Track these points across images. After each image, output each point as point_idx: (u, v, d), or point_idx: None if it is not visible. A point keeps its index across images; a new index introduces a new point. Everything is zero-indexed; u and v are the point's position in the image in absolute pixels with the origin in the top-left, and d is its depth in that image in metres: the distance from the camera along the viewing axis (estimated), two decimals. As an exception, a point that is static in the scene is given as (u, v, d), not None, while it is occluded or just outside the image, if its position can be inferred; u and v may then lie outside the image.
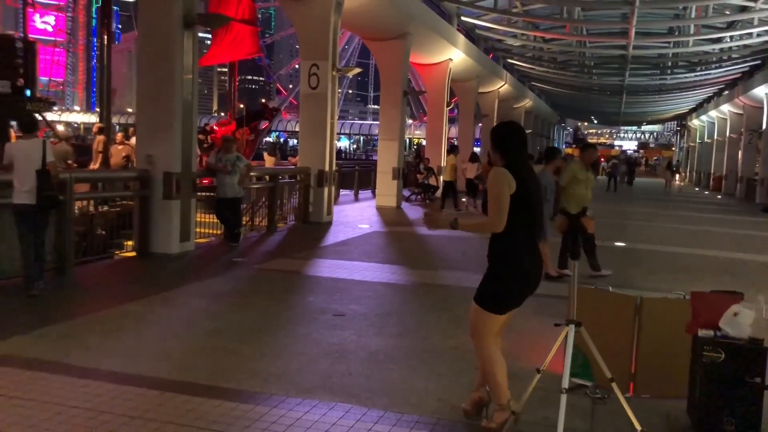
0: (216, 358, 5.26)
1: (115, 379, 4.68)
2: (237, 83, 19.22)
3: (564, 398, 3.31)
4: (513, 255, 3.85)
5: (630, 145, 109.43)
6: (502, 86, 32.90)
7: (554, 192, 8.96)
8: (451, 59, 23.44)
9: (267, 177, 13.49)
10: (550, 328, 4.23)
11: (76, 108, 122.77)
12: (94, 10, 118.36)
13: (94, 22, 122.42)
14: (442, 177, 20.14)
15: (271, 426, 3.99)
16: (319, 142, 14.41)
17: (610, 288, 5.03)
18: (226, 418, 4.08)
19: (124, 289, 7.77)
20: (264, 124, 19.34)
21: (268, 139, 74.41)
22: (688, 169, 56.28)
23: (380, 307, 7.19)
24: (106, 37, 12.63)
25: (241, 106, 19.94)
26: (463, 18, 26.33)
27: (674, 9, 25.58)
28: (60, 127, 79.28)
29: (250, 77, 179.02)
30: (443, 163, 23.62)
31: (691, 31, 26.47)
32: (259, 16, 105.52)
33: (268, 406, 4.29)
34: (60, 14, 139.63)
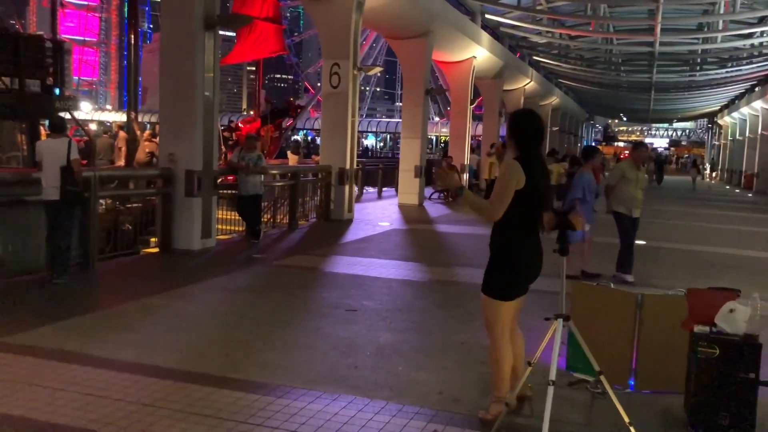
0: (227, 349, 5.44)
1: (130, 368, 4.88)
2: (262, 82, 19.48)
3: (551, 390, 3.40)
4: (511, 246, 3.96)
5: (661, 143, 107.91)
6: (527, 84, 32.77)
7: (593, 192, 8.88)
8: (474, 57, 23.44)
9: (289, 175, 13.68)
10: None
11: (108, 107, 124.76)
12: (125, 10, 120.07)
13: (126, 21, 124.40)
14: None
15: (274, 415, 4.15)
16: (341, 141, 14.58)
17: (612, 285, 5.09)
18: (232, 407, 4.25)
19: (144, 283, 8.01)
20: (288, 122, 19.57)
21: (296, 137, 75.14)
22: (720, 167, 55.37)
23: (392, 303, 7.32)
24: (132, 36, 12.94)
25: (266, 103, 20.14)
26: (487, 15, 26.29)
27: (702, 5, 25.24)
28: (93, 126, 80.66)
29: (279, 75, 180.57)
30: (466, 161, 23.70)
31: (720, 27, 26.07)
32: (288, 14, 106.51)
33: (273, 396, 4.45)
34: (92, 14, 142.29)
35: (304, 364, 5.16)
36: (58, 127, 7.40)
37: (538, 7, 25.63)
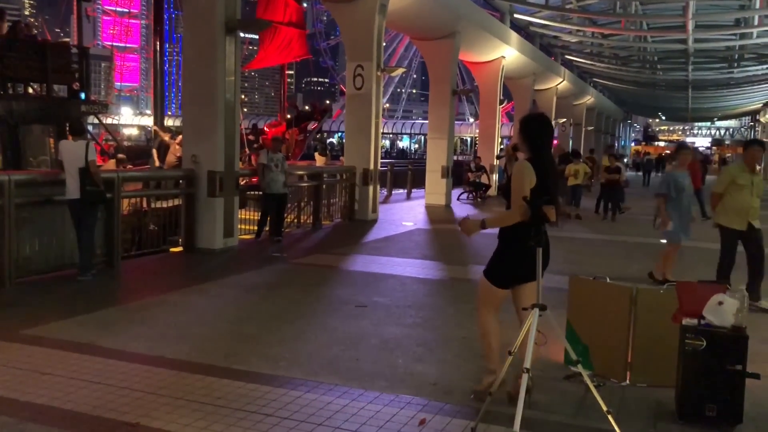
0: (235, 342, 5.62)
1: (139, 359, 5.08)
2: (287, 86, 19.78)
3: (525, 377, 3.47)
4: (518, 239, 4.08)
5: (703, 142, 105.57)
6: (560, 83, 32.51)
7: (682, 190, 8.20)
8: (503, 57, 23.38)
9: (313, 175, 13.88)
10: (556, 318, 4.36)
11: (148, 111, 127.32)
12: (165, 17, 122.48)
13: (166, 28, 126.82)
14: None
15: (270, 403, 4.29)
16: (364, 142, 14.74)
17: (608, 279, 5.11)
18: (230, 395, 4.40)
19: (164, 281, 8.27)
20: (313, 125, 19.86)
21: (331, 140, 75.76)
22: (763, 166, 53.96)
23: (403, 299, 7.42)
24: (158, 42, 13.31)
25: (291, 107, 20.46)
26: (516, 15, 26.20)
27: (738, 0, 24.77)
28: (134, 131, 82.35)
29: (315, 79, 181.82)
30: (495, 162, 23.63)
31: (755, 23, 25.53)
32: (324, 18, 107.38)
33: (271, 386, 4.60)
34: (134, 21, 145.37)
35: (306, 356, 5.30)
36: (77, 130, 7.76)
37: (568, 6, 25.43)
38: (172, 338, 5.68)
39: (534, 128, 4.29)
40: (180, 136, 15.25)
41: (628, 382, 4.82)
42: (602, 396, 4.05)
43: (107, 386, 4.51)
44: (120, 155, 13.52)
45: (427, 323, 6.44)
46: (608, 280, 5.11)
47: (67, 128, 8.38)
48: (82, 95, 12.77)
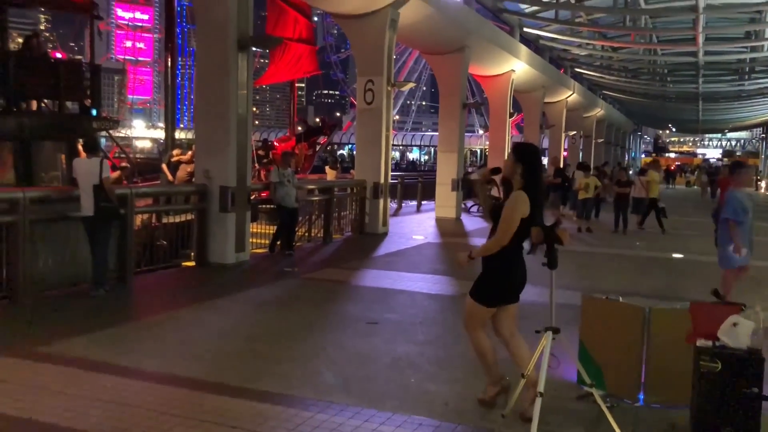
0: (246, 360, 5.63)
1: (151, 378, 5.10)
2: (296, 100, 19.90)
3: (538, 401, 3.46)
4: (504, 263, 4.46)
5: (714, 153, 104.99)
6: (569, 96, 32.49)
7: (748, 211, 7.51)
8: (513, 70, 23.41)
9: (324, 189, 13.92)
10: (568, 336, 4.38)
11: (160, 124, 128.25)
12: (178, 30, 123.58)
13: (179, 41, 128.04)
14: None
15: (281, 424, 4.30)
16: (375, 156, 14.78)
17: (620, 298, 5.09)
18: (243, 415, 4.41)
19: (176, 296, 8.30)
20: (323, 139, 19.93)
21: (342, 152, 76.05)
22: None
23: (414, 316, 7.41)
24: (169, 57, 13.44)
25: (300, 122, 20.59)
26: (525, 29, 26.26)
27: (749, 13, 24.71)
28: (147, 143, 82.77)
29: (326, 91, 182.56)
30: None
31: (766, 35, 25.46)
32: (335, 31, 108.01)
33: (283, 406, 4.60)
34: (147, 35, 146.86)
35: (318, 375, 5.30)
36: (91, 147, 7.85)
37: (578, 20, 25.47)
38: (184, 356, 5.69)
39: (532, 158, 4.46)
40: (190, 153, 15.37)
41: (642, 402, 4.79)
42: (615, 417, 4.04)
43: (119, 405, 4.53)
44: (123, 164, 13.62)
45: (438, 340, 6.43)
46: (621, 299, 5.09)
47: (81, 145, 8.47)
48: (94, 112, 12.89)
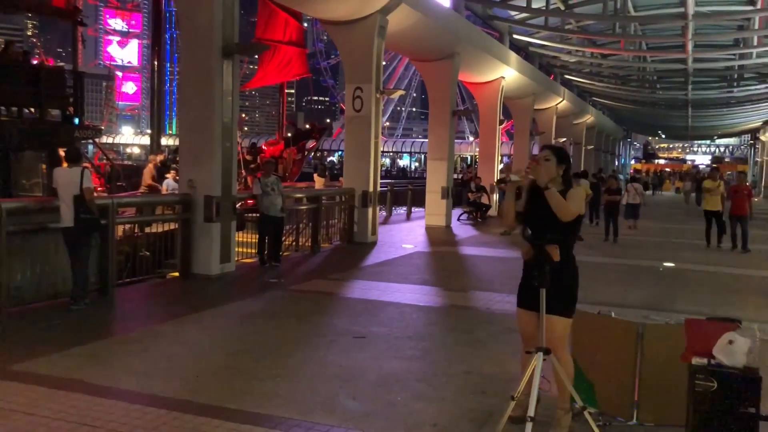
0: (228, 378, 5.45)
1: (129, 397, 4.91)
2: (286, 105, 19.74)
3: (529, 426, 3.30)
4: (573, 264, 4.31)
5: (703, 160, 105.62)
6: (560, 102, 32.50)
7: None
8: (503, 77, 23.35)
9: (312, 198, 13.75)
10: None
11: (148, 131, 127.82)
12: (167, 36, 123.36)
13: (167, 48, 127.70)
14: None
15: (262, 447, 4.12)
16: (364, 164, 14.63)
17: (613, 314, 4.96)
18: (222, 438, 4.23)
19: (158, 310, 8.11)
20: (312, 144, 19.75)
21: (332, 159, 75.81)
22: (763, 185, 53.88)
23: (403, 329, 7.25)
24: (156, 62, 13.26)
25: (290, 125, 20.41)
26: (515, 36, 26.22)
27: (737, 20, 24.79)
28: (135, 150, 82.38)
29: (315, 97, 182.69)
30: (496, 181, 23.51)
31: (755, 43, 25.55)
32: (325, 37, 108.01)
33: (265, 427, 4.43)
34: (138, 41, 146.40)
35: (302, 393, 5.13)
36: (72, 157, 7.64)
37: (567, 27, 25.46)
38: (164, 373, 5.50)
39: (570, 161, 4.41)
40: (159, 156, 15.12)
41: (635, 421, 4.64)
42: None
43: (95, 428, 4.34)
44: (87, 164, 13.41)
45: (427, 356, 6.27)
46: (613, 314, 4.96)
47: (65, 156, 8.26)
48: (76, 120, 12.66)
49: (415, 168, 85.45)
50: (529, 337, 4.29)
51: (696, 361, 4.00)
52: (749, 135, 70.84)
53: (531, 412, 3.32)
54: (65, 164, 8.00)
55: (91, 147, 24.01)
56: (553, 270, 4.02)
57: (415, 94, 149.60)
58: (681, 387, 4.35)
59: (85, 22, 13.68)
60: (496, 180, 23.01)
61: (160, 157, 14.50)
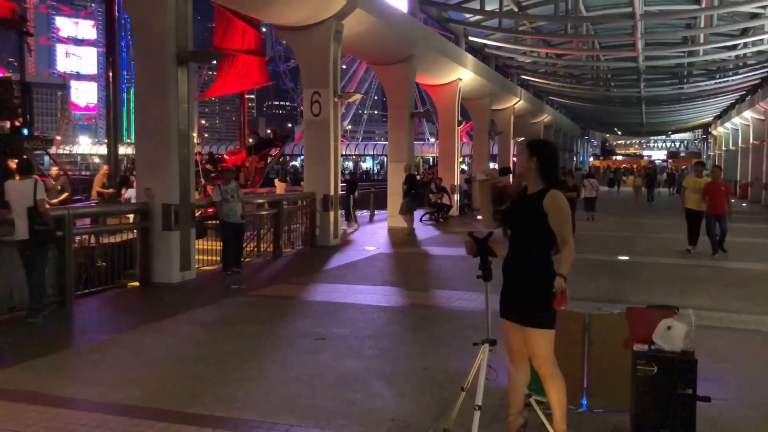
0: (189, 384, 5.49)
1: (90, 407, 4.92)
2: (246, 111, 19.71)
3: (477, 414, 3.45)
4: (550, 269, 3.89)
5: (660, 155, 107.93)
6: (517, 102, 33.01)
7: None
8: (460, 79, 23.65)
9: (273, 203, 13.77)
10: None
11: (106, 140, 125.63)
12: (123, 44, 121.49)
13: (123, 56, 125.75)
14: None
15: (223, 448, 4.19)
16: (324, 168, 14.71)
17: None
18: (183, 441, 4.29)
19: (118, 319, 8.08)
20: (275, 151, 19.76)
21: (294, 163, 75.55)
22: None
23: (363, 329, 7.36)
24: (111, 72, 13.17)
25: (252, 134, 20.41)
26: (471, 38, 26.58)
27: (684, 19, 25.55)
28: (96, 159, 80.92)
29: (276, 102, 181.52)
30: (456, 182, 23.79)
31: (701, 41, 26.34)
32: (284, 41, 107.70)
33: (225, 429, 4.50)
34: (94, 49, 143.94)
35: (262, 395, 5.21)
36: (24, 169, 7.58)
37: (521, 28, 25.91)
38: (125, 382, 5.52)
39: (546, 151, 4.03)
40: (105, 166, 14.97)
41: (585, 408, 4.83)
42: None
43: (54, 438, 4.36)
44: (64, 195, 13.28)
45: (386, 354, 6.39)
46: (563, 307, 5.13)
47: (15, 169, 8.17)
48: (25, 131, 12.48)
49: (377, 170, 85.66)
50: (514, 351, 4.05)
51: (637, 347, 4.20)
52: (702, 130, 72.82)
53: (479, 401, 3.46)
54: (17, 176, 7.92)
55: (47, 158, 23.58)
56: (532, 276, 3.86)
57: (376, 97, 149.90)
58: (626, 374, 4.55)
59: (31, 32, 13.46)
60: (465, 179, 23.43)
61: (104, 169, 14.43)
